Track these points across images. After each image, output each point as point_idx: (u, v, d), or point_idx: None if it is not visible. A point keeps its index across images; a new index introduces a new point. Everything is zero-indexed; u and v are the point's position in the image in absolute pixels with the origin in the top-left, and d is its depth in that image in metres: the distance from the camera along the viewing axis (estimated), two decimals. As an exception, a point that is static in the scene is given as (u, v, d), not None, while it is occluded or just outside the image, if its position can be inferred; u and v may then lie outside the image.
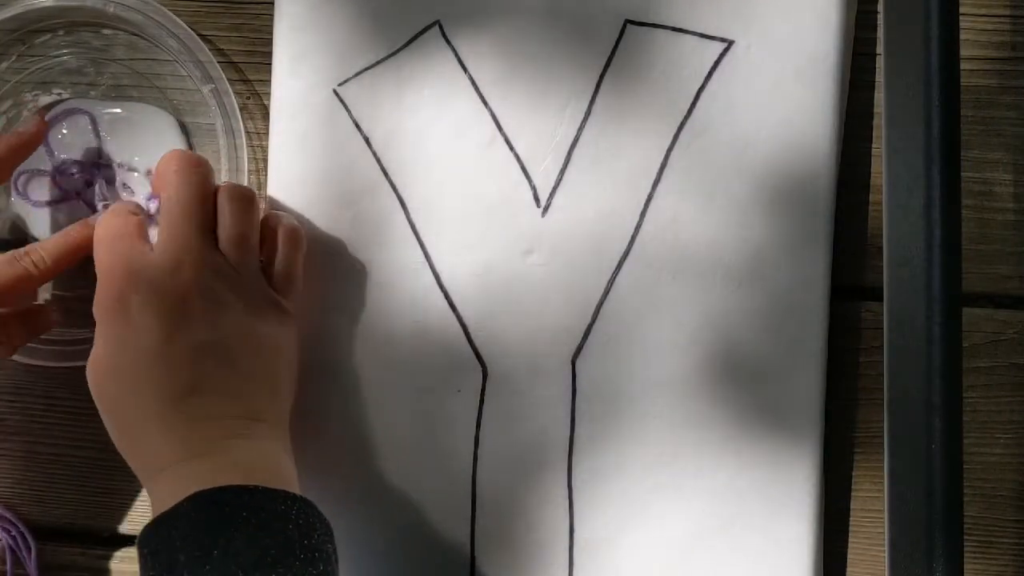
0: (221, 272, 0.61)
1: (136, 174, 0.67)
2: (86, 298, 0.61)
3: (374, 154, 0.65)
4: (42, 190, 0.68)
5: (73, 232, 0.63)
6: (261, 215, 0.64)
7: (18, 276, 0.62)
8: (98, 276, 0.60)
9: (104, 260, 0.60)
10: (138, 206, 0.63)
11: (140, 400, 0.59)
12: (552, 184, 0.65)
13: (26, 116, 0.68)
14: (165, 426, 0.58)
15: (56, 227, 0.66)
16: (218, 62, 0.66)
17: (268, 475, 0.58)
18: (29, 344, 0.67)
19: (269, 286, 0.63)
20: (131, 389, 0.59)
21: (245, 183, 0.66)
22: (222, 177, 0.66)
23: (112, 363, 0.59)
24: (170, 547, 0.54)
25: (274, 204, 0.66)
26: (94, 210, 0.67)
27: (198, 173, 0.62)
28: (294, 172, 0.66)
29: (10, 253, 0.62)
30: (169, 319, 0.59)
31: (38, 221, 0.68)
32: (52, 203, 0.68)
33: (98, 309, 0.60)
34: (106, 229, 0.61)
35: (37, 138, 0.66)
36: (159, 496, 0.57)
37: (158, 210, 0.63)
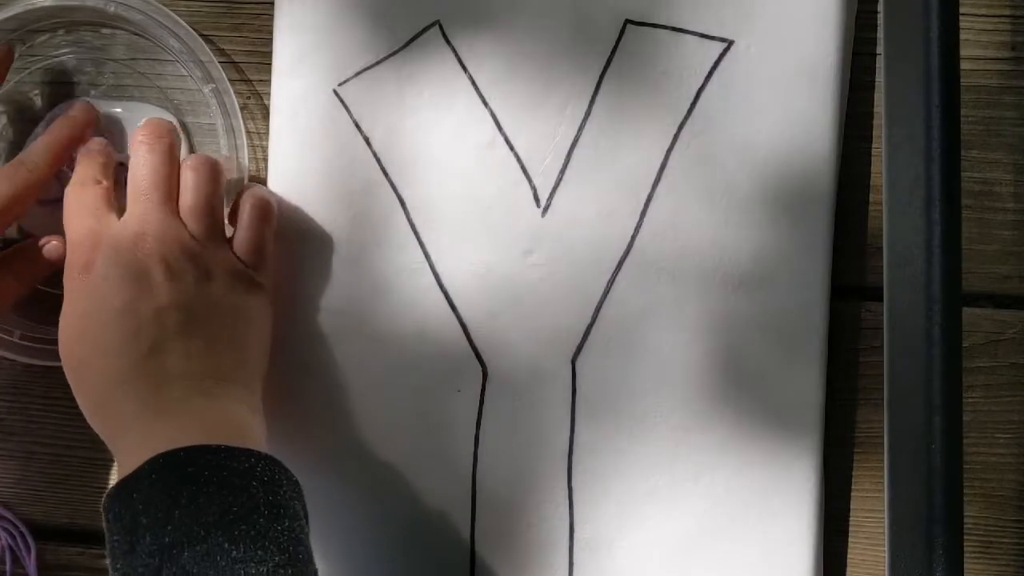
0: (184, 244, 0.62)
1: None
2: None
3: (374, 154, 0.65)
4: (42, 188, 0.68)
5: (56, 130, 0.66)
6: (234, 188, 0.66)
7: (19, 185, 0.63)
8: (67, 245, 0.62)
9: (72, 230, 0.62)
10: (103, 169, 0.64)
11: (105, 362, 0.60)
12: (552, 184, 0.65)
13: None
14: (129, 387, 0.59)
15: (56, 225, 0.66)
16: (219, 62, 0.66)
17: (232, 434, 0.58)
18: (30, 343, 0.67)
19: (238, 257, 0.64)
20: (96, 351, 0.60)
21: (245, 183, 0.66)
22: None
23: (78, 326, 0.61)
24: (132, 510, 0.54)
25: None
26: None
27: (163, 143, 0.63)
28: (294, 172, 0.66)
29: (5, 168, 0.64)
30: (131, 287, 0.60)
31: (38, 219, 0.68)
32: (52, 201, 0.68)
33: (66, 276, 0.62)
34: (73, 201, 0.63)
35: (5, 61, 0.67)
36: (124, 460, 0.57)
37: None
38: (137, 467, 0.55)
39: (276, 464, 0.57)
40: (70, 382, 0.61)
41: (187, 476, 0.54)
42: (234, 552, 0.52)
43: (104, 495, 0.56)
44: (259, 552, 0.53)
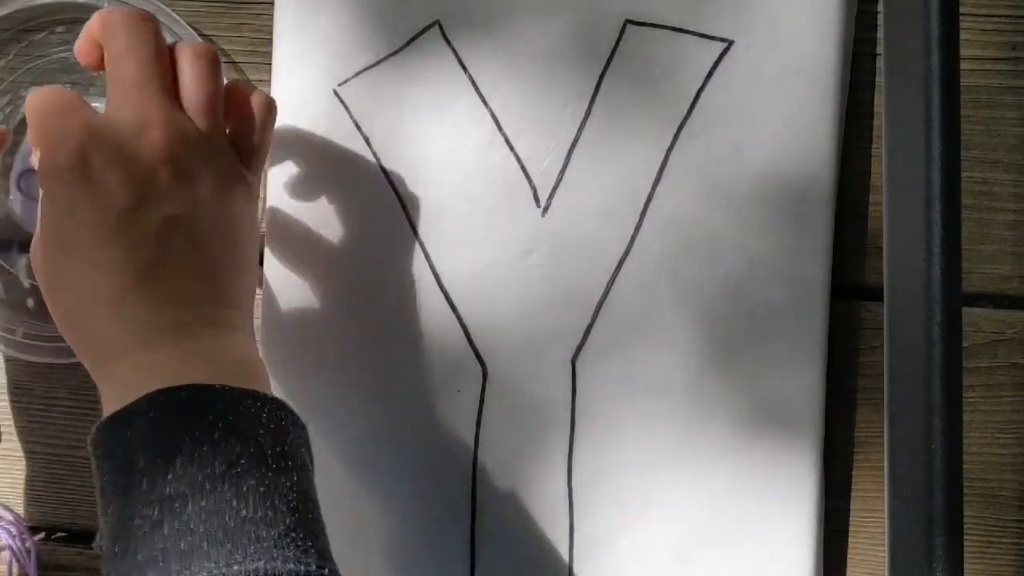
0: (190, 139, 0.54)
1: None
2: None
3: (374, 154, 0.65)
4: None
5: None
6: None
7: None
8: (45, 144, 0.54)
9: (54, 125, 0.54)
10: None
11: (96, 278, 0.53)
12: (552, 184, 0.65)
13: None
14: (125, 308, 0.52)
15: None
16: (218, 62, 0.66)
17: (238, 370, 0.53)
18: (32, 341, 0.67)
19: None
20: (86, 264, 0.53)
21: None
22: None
23: (66, 234, 0.53)
24: (126, 448, 0.49)
25: (275, 210, 0.66)
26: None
27: (149, 28, 0.55)
28: (294, 172, 0.66)
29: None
30: (136, 186, 0.52)
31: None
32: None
33: (49, 176, 0.53)
34: (38, 100, 0.55)
35: None
36: (114, 387, 0.52)
37: None
38: (133, 401, 0.49)
39: (282, 407, 0.52)
40: (47, 300, 0.54)
41: (190, 419, 0.49)
42: (244, 511, 0.48)
43: (93, 428, 0.51)
44: (268, 512, 0.48)
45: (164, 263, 0.53)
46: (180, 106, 0.55)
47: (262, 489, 0.49)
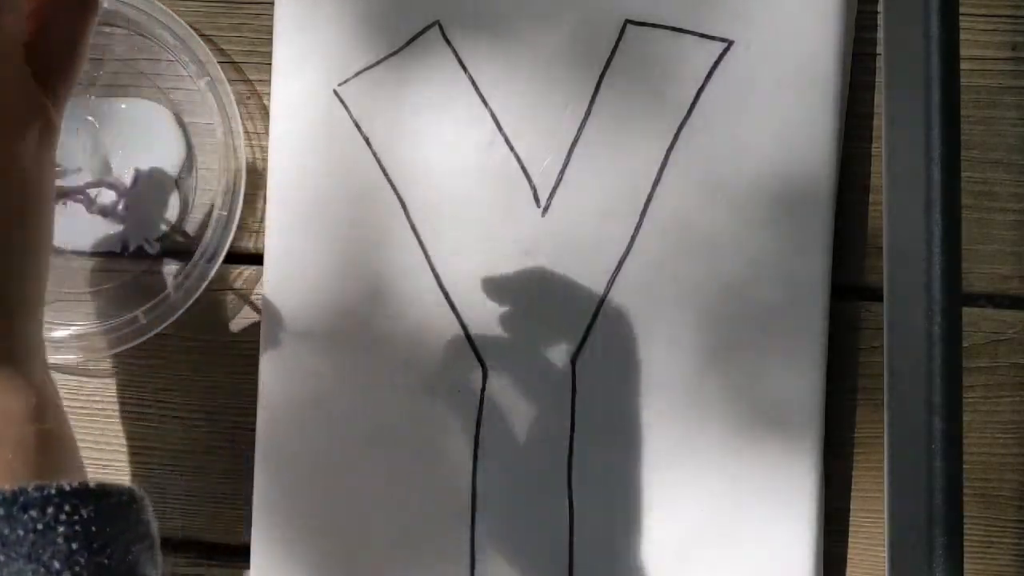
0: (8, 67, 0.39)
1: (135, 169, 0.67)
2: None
3: (374, 154, 0.65)
4: None
5: None
6: None
7: None
8: None
9: None
10: None
11: None
12: (552, 184, 0.65)
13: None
14: None
15: (55, 224, 0.66)
16: (218, 62, 0.66)
17: (27, 436, 0.36)
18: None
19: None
20: None
21: (243, 184, 0.66)
22: (220, 178, 0.66)
23: None
24: None
25: (274, 208, 0.66)
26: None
27: None
28: (294, 172, 0.66)
29: None
30: None
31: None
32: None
33: None
34: None
35: None
36: None
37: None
38: None
39: (90, 497, 0.35)
40: None
41: None
42: None
43: None
44: None
45: None
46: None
47: None
